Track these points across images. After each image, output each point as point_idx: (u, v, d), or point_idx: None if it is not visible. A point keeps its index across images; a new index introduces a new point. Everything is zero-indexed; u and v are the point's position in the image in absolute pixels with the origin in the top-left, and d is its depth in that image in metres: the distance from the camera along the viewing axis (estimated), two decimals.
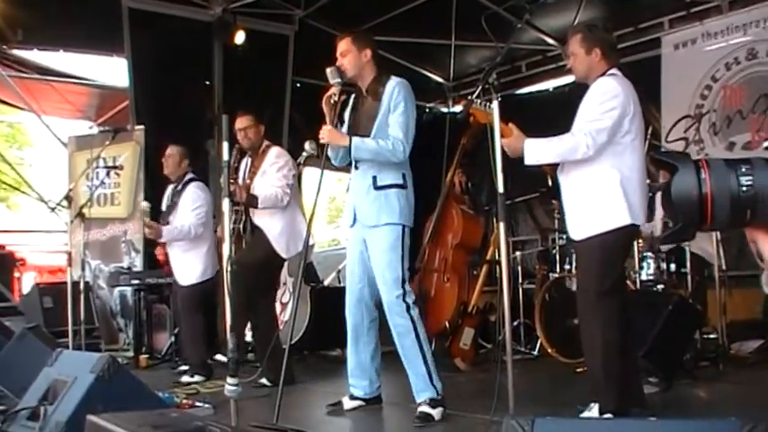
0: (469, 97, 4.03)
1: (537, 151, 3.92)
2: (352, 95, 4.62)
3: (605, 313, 3.85)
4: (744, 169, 1.77)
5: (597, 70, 4.02)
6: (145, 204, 6.56)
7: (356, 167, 4.56)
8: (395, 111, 4.40)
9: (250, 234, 5.76)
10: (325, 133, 4.40)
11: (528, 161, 3.94)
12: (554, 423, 1.93)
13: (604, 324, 3.85)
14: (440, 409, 4.28)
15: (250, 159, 5.88)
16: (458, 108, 9.45)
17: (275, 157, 5.77)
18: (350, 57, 4.50)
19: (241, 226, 5.76)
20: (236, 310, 5.96)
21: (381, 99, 4.44)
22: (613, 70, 4.01)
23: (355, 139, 4.37)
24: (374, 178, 4.46)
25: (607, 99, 3.87)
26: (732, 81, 7.90)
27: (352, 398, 4.66)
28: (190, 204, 6.26)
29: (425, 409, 4.27)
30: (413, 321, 4.39)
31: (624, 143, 3.88)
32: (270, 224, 5.70)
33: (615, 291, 3.92)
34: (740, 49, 7.84)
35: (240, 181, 5.81)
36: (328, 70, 4.44)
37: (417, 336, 4.39)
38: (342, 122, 4.61)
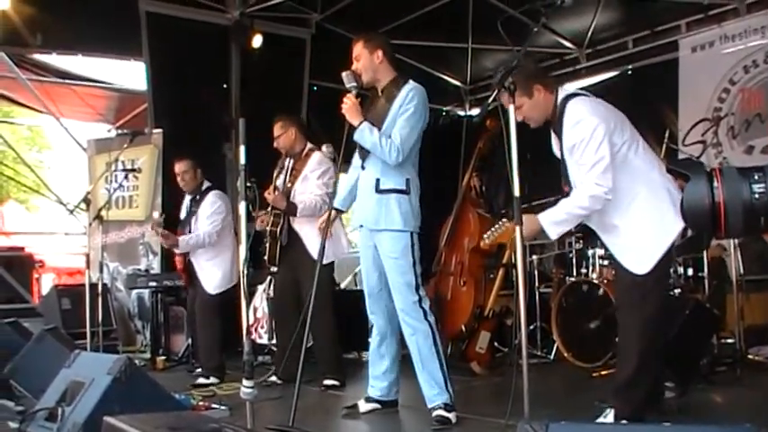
0: (487, 102, 4.01)
1: (555, 225, 3.71)
2: (368, 97, 4.61)
3: (645, 318, 3.67)
4: (756, 177, 1.77)
5: (550, 105, 3.84)
6: (157, 216, 6.55)
7: (363, 167, 4.56)
8: (402, 115, 4.38)
9: (286, 238, 5.77)
10: (348, 103, 4.39)
11: (552, 237, 3.84)
12: (568, 428, 1.93)
13: (643, 330, 3.68)
14: (454, 413, 4.30)
15: (292, 162, 5.89)
16: (475, 111, 9.39)
17: (317, 163, 5.77)
18: (363, 60, 4.50)
19: (278, 229, 5.78)
20: (280, 322, 6.09)
21: (394, 101, 4.43)
22: (560, 93, 3.82)
23: (365, 124, 4.36)
24: (377, 181, 4.46)
25: (588, 138, 3.61)
26: (750, 84, 7.86)
27: (369, 400, 4.66)
28: (207, 211, 6.27)
29: (442, 413, 4.28)
30: (431, 327, 4.40)
31: (625, 155, 3.65)
32: (308, 231, 5.66)
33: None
34: (758, 52, 7.80)
35: (281, 184, 5.83)
36: (344, 74, 4.44)
37: (435, 341, 4.39)
38: None
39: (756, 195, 1.75)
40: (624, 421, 3.62)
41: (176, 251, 6.39)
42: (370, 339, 4.78)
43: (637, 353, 3.65)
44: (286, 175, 5.89)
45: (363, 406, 4.64)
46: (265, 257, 5.94)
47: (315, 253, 5.53)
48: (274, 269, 6.37)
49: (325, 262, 5.67)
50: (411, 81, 4.51)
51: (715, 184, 1.72)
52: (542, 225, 3.72)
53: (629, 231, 3.69)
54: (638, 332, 3.66)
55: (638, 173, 3.68)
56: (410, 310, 4.40)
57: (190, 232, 6.28)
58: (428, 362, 4.39)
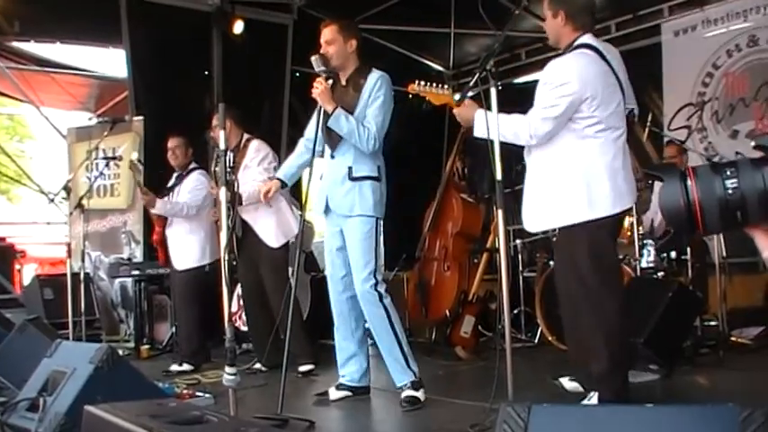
0: (468, 85, 4.00)
1: (485, 125, 3.70)
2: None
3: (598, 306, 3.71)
4: (728, 172, 1.79)
5: (565, 36, 3.81)
6: (135, 157, 6.54)
7: (332, 156, 4.56)
8: (373, 104, 4.42)
9: (240, 229, 5.83)
10: (320, 88, 4.35)
11: (476, 133, 3.81)
12: (551, 410, 1.93)
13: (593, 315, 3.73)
14: (422, 391, 4.38)
15: (232, 155, 5.90)
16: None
17: (255, 151, 5.85)
18: (335, 46, 4.50)
19: (230, 221, 5.78)
20: (248, 310, 6.11)
21: (362, 90, 4.45)
22: (585, 39, 3.76)
23: (340, 110, 4.35)
24: (350, 169, 4.48)
25: (556, 85, 3.63)
26: (734, 68, 7.87)
27: (340, 387, 4.68)
28: (189, 186, 6.32)
29: (410, 392, 4.35)
30: (386, 310, 4.44)
31: (582, 129, 3.65)
32: (255, 217, 5.80)
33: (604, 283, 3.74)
34: (741, 36, 7.80)
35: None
36: (313, 58, 4.44)
37: (391, 323, 4.45)
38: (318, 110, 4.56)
39: (730, 191, 1.76)
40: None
41: (152, 211, 6.37)
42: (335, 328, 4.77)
43: (603, 342, 3.68)
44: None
45: (334, 393, 4.66)
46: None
47: (267, 238, 5.73)
48: None
49: (277, 244, 5.77)
50: (374, 69, 4.53)
51: (688, 182, 1.73)
52: (475, 116, 3.76)
53: (541, 188, 3.80)
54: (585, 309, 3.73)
55: (587, 150, 3.68)
56: (365, 292, 4.45)
57: None
58: (387, 343, 4.46)
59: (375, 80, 4.45)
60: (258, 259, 5.85)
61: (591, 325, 3.72)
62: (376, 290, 4.43)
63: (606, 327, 3.68)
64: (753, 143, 1.75)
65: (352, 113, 4.42)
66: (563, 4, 3.78)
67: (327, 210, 4.59)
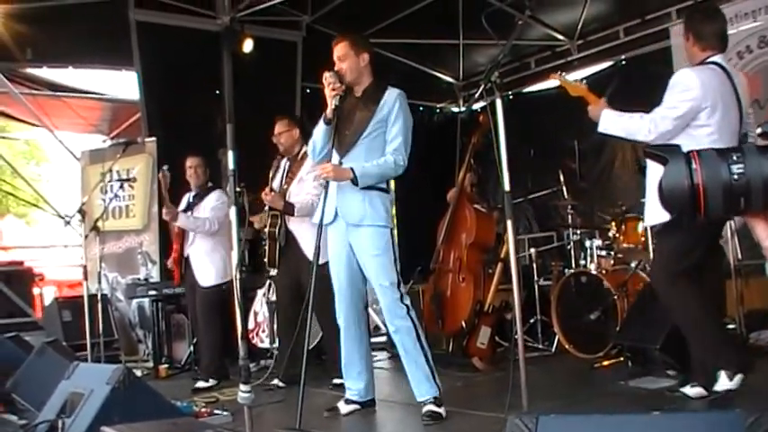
0: (474, 97, 4.04)
1: (608, 122, 4.08)
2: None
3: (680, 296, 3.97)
4: (735, 158, 1.78)
5: (695, 56, 4.17)
6: (165, 168, 6.53)
7: (340, 163, 4.54)
8: (395, 124, 4.44)
9: (284, 239, 5.83)
10: (329, 171, 4.43)
11: (599, 128, 4.12)
12: (559, 420, 1.93)
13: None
14: (443, 408, 4.35)
15: (288, 163, 5.92)
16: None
17: (313, 165, 5.79)
18: (348, 61, 4.51)
19: (276, 230, 5.82)
20: (282, 324, 6.10)
21: (378, 107, 4.45)
22: (715, 58, 4.07)
23: (357, 170, 4.38)
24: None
25: (680, 90, 3.93)
26: (746, 70, 7.80)
27: (348, 402, 4.69)
28: (211, 203, 6.38)
29: (433, 407, 4.32)
30: (413, 322, 4.44)
31: (699, 136, 3.72)
32: (301, 230, 5.75)
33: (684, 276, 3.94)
34: (751, 37, 7.75)
35: (277, 186, 5.87)
36: (327, 74, 4.46)
37: (418, 336, 4.44)
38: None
39: (735, 176, 1.76)
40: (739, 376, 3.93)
41: (174, 224, 6.40)
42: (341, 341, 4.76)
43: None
44: (283, 177, 5.91)
45: (344, 407, 4.66)
46: (265, 260, 5.98)
47: (308, 251, 5.58)
48: (273, 272, 6.39)
49: (322, 262, 5.72)
50: (391, 87, 4.54)
51: (693, 165, 1.73)
52: (601, 113, 4.11)
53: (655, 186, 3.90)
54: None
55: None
56: (393, 307, 4.43)
57: None
58: (414, 357, 4.43)
59: (394, 99, 4.46)
60: (299, 273, 5.72)
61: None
62: (402, 302, 4.43)
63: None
64: (759, 130, 1.74)
65: (365, 128, 4.44)
66: (691, 27, 4.19)
67: (335, 218, 4.58)
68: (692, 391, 4.17)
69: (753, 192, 1.71)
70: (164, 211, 6.37)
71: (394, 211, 4.82)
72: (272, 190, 5.76)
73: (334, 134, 4.50)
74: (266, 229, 5.90)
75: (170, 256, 6.67)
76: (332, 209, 4.56)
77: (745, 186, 1.71)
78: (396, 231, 4.63)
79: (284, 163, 5.99)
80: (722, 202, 1.71)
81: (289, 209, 5.68)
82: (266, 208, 5.87)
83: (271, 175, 6.03)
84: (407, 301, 4.46)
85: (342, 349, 4.75)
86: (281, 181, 5.92)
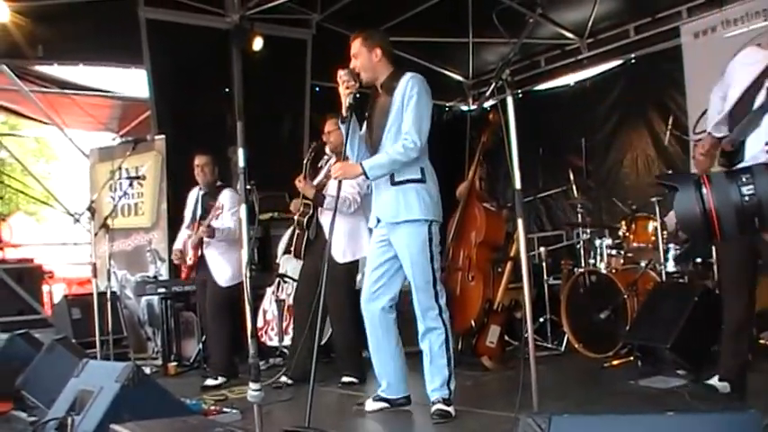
0: (485, 95, 4.01)
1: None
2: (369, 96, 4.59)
3: None
4: (744, 179, 1.77)
5: None
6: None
7: None
8: (408, 105, 4.36)
9: (314, 232, 5.84)
10: (338, 170, 4.47)
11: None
12: (571, 420, 1.92)
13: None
14: (453, 407, 4.35)
15: (334, 159, 5.91)
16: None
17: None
18: (361, 58, 4.49)
19: (305, 219, 5.82)
20: (298, 317, 6.08)
21: (394, 94, 4.41)
22: None
23: (365, 163, 4.37)
24: (391, 175, 4.43)
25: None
26: None
27: (377, 399, 4.66)
28: (229, 206, 6.33)
29: (442, 406, 4.32)
30: (444, 325, 4.43)
31: None
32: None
33: None
34: (763, 35, 7.71)
35: (318, 178, 5.91)
36: (342, 73, 4.44)
37: (447, 339, 4.43)
38: (360, 123, 4.61)
39: (746, 198, 1.74)
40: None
41: (208, 239, 6.33)
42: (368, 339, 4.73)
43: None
44: (327, 172, 5.92)
45: (370, 405, 4.64)
46: (292, 249, 6.01)
47: (335, 251, 5.61)
48: (282, 270, 6.37)
49: (344, 260, 5.72)
50: (408, 72, 4.48)
51: (704, 190, 1.72)
52: None
53: None
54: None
55: None
56: (427, 308, 4.42)
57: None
58: (437, 358, 4.42)
59: (407, 82, 4.39)
60: (322, 268, 5.74)
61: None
62: (437, 303, 4.41)
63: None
64: (766, 148, 1.73)
65: (386, 120, 4.41)
66: None
67: (378, 220, 4.57)
68: (720, 384, 4.15)
69: (766, 210, 1.70)
70: (201, 230, 6.29)
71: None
72: (305, 177, 5.77)
73: (366, 132, 4.52)
74: (296, 217, 5.91)
75: (185, 268, 6.60)
76: (374, 215, 4.60)
77: (757, 206, 1.71)
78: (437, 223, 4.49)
79: (332, 159, 5.97)
80: (736, 224, 1.71)
81: (319, 199, 5.69)
82: (302, 195, 5.86)
83: (308, 164, 6.03)
84: (441, 301, 4.43)
85: (369, 346, 4.71)
86: (324, 176, 5.94)
